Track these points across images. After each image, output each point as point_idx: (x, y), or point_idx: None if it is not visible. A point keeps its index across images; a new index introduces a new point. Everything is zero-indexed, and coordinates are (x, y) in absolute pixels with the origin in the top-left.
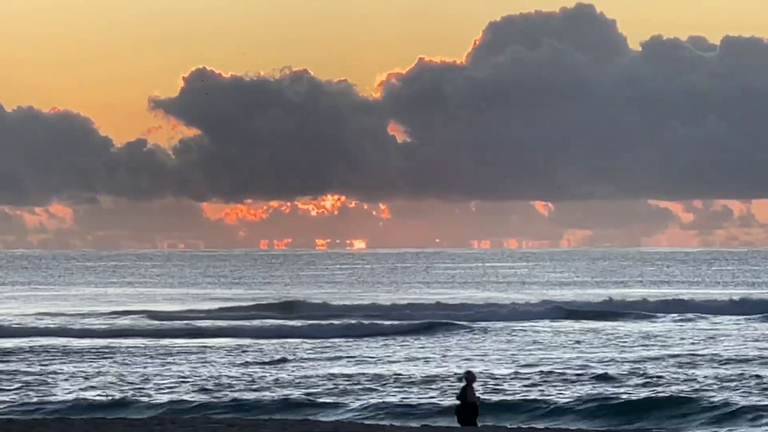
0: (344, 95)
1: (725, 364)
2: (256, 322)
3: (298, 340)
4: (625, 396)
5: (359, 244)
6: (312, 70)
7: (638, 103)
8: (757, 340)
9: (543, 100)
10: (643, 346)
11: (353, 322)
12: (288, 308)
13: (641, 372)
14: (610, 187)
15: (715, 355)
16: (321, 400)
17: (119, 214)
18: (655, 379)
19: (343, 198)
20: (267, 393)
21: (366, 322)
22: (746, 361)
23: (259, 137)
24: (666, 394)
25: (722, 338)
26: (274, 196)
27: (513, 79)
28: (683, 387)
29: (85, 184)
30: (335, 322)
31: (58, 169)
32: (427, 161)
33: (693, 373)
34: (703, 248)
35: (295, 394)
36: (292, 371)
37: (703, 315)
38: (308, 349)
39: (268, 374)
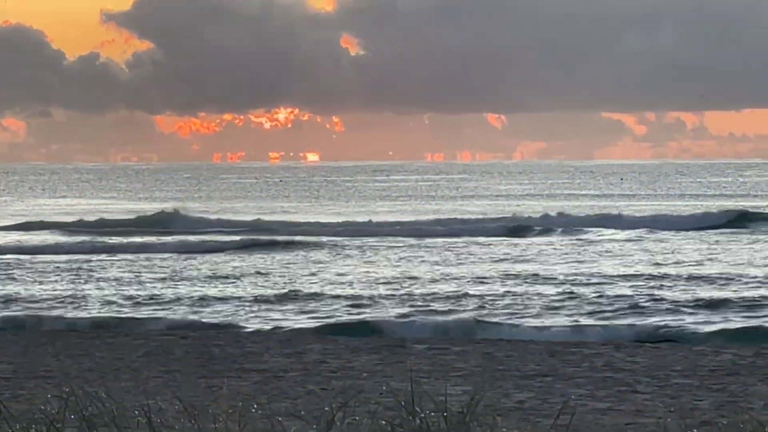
0: (297, 8)
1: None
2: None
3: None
4: None
5: (312, 157)
6: None
7: (591, 15)
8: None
9: (497, 13)
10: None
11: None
12: (165, 222)
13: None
14: (563, 100)
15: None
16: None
17: (73, 127)
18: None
19: (296, 111)
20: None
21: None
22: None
23: (212, 51)
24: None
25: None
26: (227, 109)
27: None
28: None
29: (38, 98)
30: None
31: (11, 83)
32: (380, 74)
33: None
34: (656, 160)
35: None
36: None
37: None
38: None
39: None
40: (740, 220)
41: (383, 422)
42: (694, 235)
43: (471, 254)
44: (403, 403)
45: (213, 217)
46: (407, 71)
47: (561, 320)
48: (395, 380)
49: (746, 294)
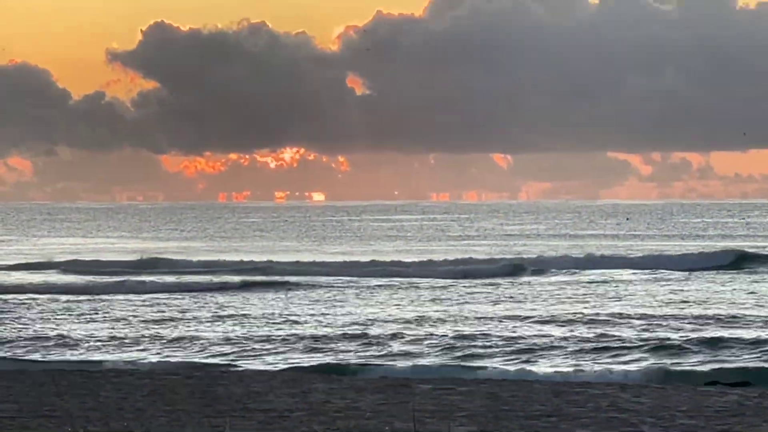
0: (303, 48)
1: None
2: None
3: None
4: None
5: (318, 197)
6: (270, 23)
7: (597, 55)
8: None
9: (502, 53)
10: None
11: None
12: (150, 264)
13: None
14: (569, 140)
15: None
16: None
17: (78, 166)
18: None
19: (302, 150)
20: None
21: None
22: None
23: (217, 90)
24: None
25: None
26: (233, 148)
27: (471, 31)
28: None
29: (44, 137)
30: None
31: (17, 122)
32: (385, 114)
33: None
34: (662, 200)
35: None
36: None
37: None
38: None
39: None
40: (740, 261)
41: None
42: (694, 275)
43: (473, 294)
44: None
45: (195, 259)
46: (412, 111)
47: (566, 361)
48: (399, 420)
49: (744, 334)
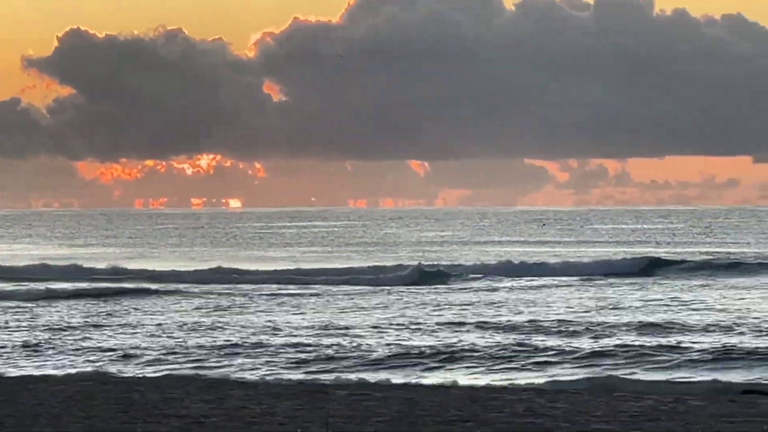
0: (219, 54)
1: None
2: None
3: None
4: None
5: (235, 204)
6: (186, 29)
7: (514, 63)
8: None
9: (419, 60)
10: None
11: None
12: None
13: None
14: (486, 147)
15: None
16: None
17: None
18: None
19: (218, 157)
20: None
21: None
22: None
23: (133, 96)
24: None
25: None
26: (149, 155)
27: (389, 38)
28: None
29: None
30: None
31: None
32: (302, 120)
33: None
34: (579, 207)
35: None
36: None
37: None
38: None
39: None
40: (651, 267)
41: None
42: (601, 282)
43: (384, 302)
44: None
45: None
46: (330, 118)
47: (481, 368)
48: (315, 426)
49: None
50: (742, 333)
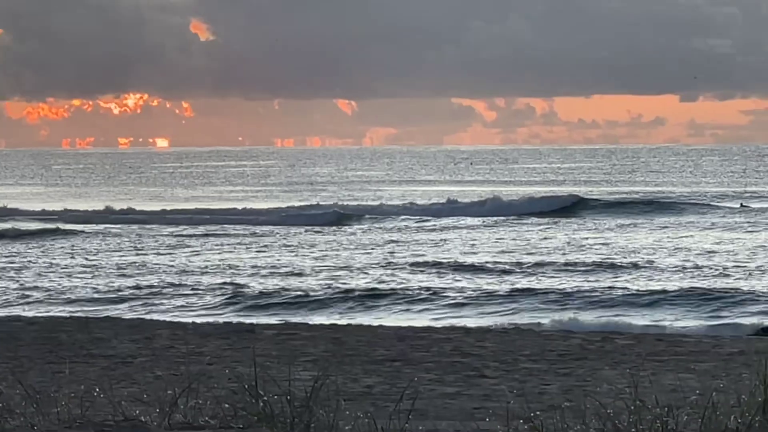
0: None
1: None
2: None
3: None
4: None
5: (162, 143)
6: None
7: (441, 1)
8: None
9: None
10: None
11: None
12: None
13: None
14: (413, 86)
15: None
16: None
17: None
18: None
19: (145, 96)
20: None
21: None
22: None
23: (60, 36)
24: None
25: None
26: (76, 94)
27: None
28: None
29: None
30: None
31: None
32: (230, 60)
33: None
34: (506, 146)
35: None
36: None
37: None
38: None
39: None
40: (575, 207)
41: (227, 406)
42: (527, 220)
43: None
44: (247, 387)
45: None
46: (257, 57)
47: (397, 307)
48: (243, 365)
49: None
50: (669, 273)
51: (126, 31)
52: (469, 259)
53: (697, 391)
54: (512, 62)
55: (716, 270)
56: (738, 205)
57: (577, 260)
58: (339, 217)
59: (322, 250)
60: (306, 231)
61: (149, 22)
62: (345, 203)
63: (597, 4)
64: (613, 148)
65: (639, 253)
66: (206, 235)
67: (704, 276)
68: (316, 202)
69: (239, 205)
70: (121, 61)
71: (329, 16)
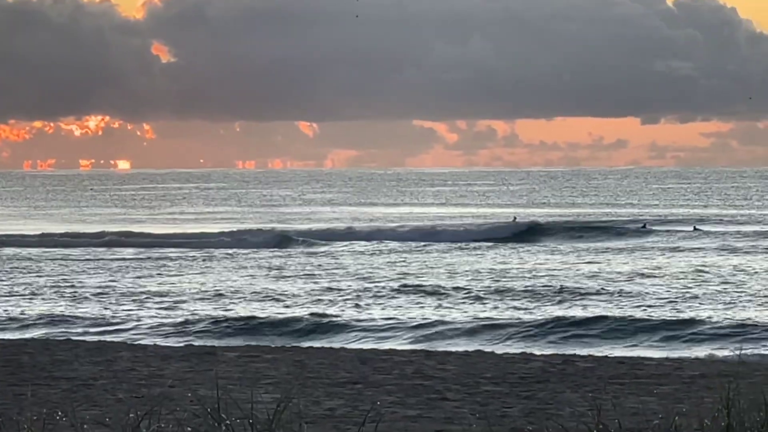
0: (107, 16)
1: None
2: None
3: None
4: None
5: (123, 165)
6: None
7: (403, 24)
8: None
9: (308, 21)
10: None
11: None
12: None
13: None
14: (375, 108)
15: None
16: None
17: None
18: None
19: (107, 118)
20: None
21: None
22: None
23: (22, 58)
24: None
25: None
26: (37, 116)
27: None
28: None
29: None
30: None
31: None
32: (191, 81)
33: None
34: (467, 168)
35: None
36: None
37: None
38: None
39: None
40: (530, 233)
41: (189, 429)
42: (473, 247)
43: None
44: (209, 410)
45: None
46: (218, 79)
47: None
48: (205, 388)
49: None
50: (608, 299)
51: (87, 53)
52: (410, 283)
53: (660, 415)
54: (474, 85)
55: (660, 297)
56: (692, 229)
57: (516, 287)
58: (280, 240)
59: (262, 274)
60: (249, 253)
61: (111, 44)
62: (291, 226)
63: (559, 26)
64: (575, 170)
65: (594, 278)
66: (149, 258)
67: (631, 303)
68: (261, 225)
69: (188, 229)
70: (83, 84)
71: (291, 39)
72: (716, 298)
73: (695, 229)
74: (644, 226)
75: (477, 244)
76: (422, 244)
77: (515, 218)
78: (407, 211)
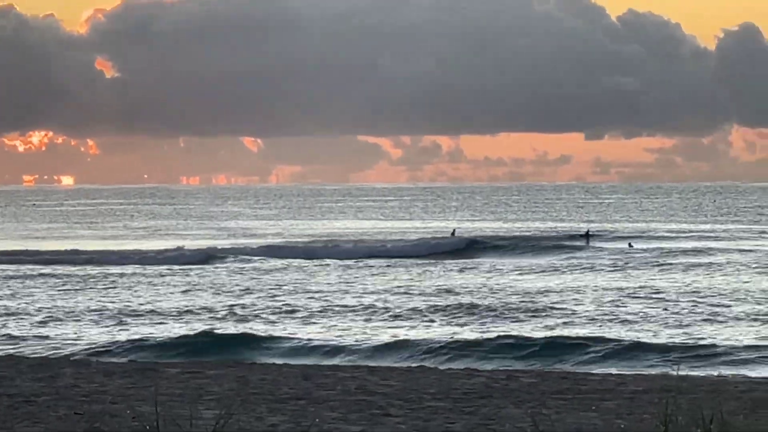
0: (51, 31)
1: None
2: None
3: None
4: None
5: (67, 180)
6: (18, 5)
7: (348, 39)
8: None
9: (253, 35)
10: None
11: None
12: None
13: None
14: (319, 123)
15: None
16: None
17: None
18: None
19: (50, 134)
20: None
21: None
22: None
23: None
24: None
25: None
26: None
27: (221, 13)
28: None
29: None
30: None
31: None
32: (135, 97)
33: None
34: (411, 183)
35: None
36: None
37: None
38: None
39: None
40: (469, 249)
41: None
42: (410, 263)
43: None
44: (149, 427)
45: None
46: (162, 94)
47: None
48: (147, 404)
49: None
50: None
51: (31, 68)
52: (337, 302)
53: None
54: (418, 100)
55: (601, 313)
56: (627, 245)
57: (452, 303)
58: (207, 257)
59: (185, 290)
60: (174, 270)
61: (54, 58)
62: (220, 243)
63: (503, 42)
64: (518, 185)
65: (535, 294)
66: (89, 276)
67: (574, 319)
68: (196, 242)
69: (124, 246)
70: (26, 99)
71: (235, 54)
72: (659, 314)
73: (630, 246)
74: (630, 245)
75: (413, 260)
76: (353, 261)
77: (454, 232)
78: (347, 225)
